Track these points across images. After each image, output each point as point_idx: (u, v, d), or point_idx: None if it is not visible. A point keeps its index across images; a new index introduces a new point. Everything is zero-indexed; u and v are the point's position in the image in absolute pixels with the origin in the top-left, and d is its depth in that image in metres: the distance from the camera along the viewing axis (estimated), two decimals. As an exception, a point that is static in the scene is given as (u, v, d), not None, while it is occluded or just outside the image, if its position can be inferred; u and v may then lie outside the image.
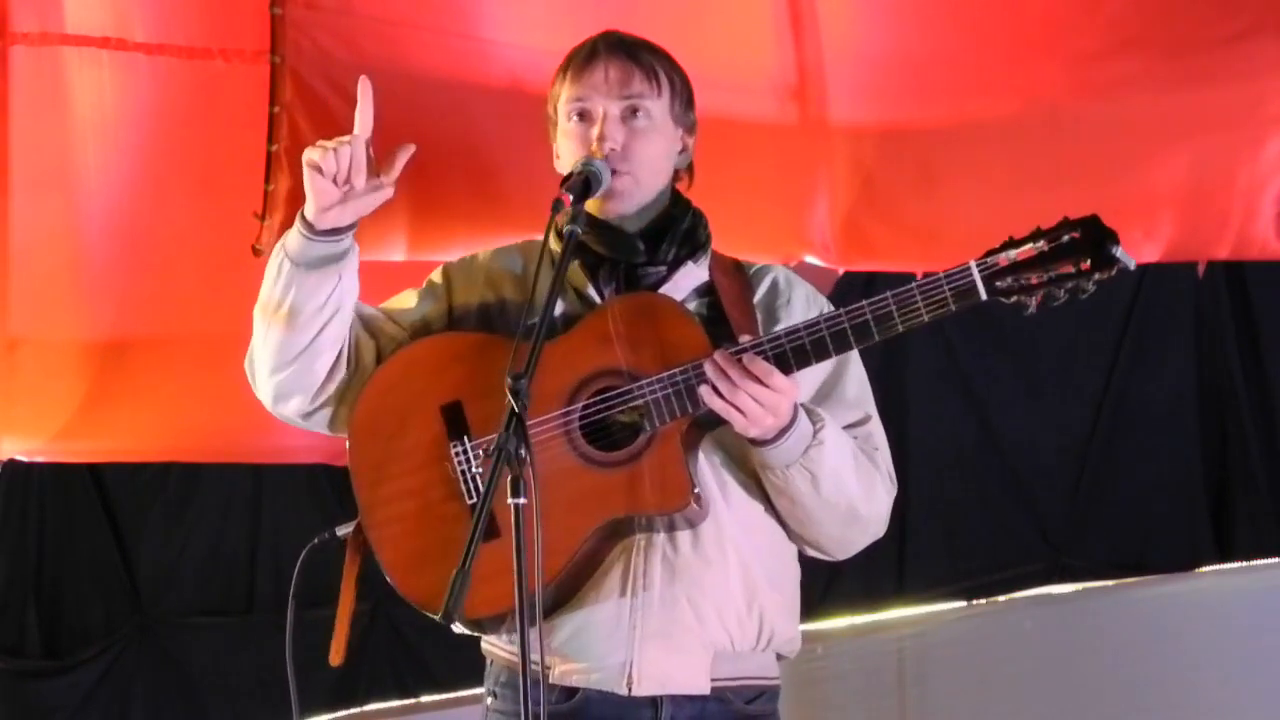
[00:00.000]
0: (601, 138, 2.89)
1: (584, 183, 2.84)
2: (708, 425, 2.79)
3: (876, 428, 2.94)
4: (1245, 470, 6.94)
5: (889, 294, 2.69)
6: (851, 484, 2.82)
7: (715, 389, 2.69)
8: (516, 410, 2.58)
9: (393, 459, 2.92)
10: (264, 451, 5.76)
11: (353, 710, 6.61)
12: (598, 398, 2.79)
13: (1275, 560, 5.88)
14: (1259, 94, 4.65)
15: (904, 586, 6.82)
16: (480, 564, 2.68)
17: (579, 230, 2.79)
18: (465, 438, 2.87)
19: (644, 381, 2.76)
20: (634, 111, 2.91)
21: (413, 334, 2.99)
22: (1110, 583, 6.15)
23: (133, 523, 7.61)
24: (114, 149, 4.64)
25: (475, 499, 2.84)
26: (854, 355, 2.94)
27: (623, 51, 2.95)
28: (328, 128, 4.40)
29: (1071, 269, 2.62)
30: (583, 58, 2.95)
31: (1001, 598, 6.02)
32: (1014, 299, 2.64)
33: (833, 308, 2.96)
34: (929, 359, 7.06)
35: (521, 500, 2.57)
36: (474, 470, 2.85)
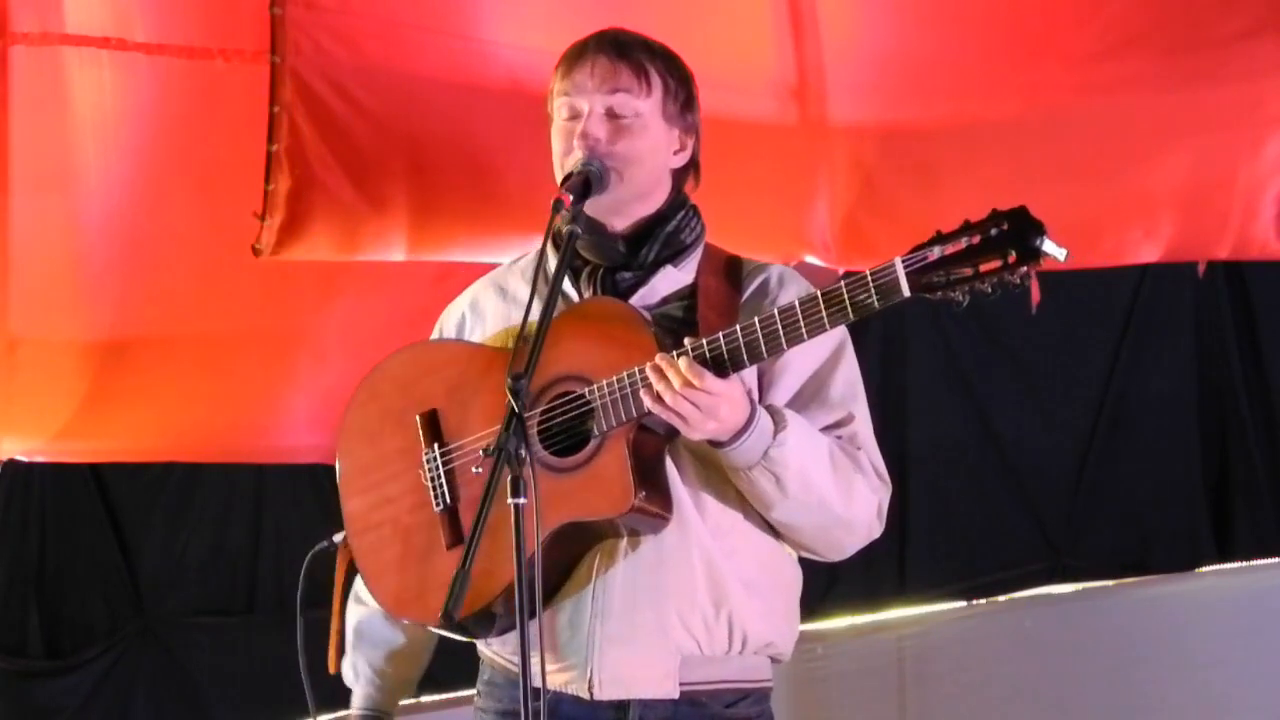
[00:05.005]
0: (584, 134, 2.88)
1: (584, 182, 2.83)
2: (658, 431, 2.78)
3: (862, 427, 2.90)
4: (1245, 470, 6.93)
5: (818, 293, 2.65)
6: (824, 485, 2.79)
7: (655, 393, 2.69)
8: (516, 410, 2.58)
9: (372, 468, 2.94)
10: (265, 452, 5.76)
11: (353, 710, 6.60)
12: (555, 402, 2.79)
13: (1275, 560, 5.88)
14: (1259, 94, 4.65)
15: (904, 586, 6.81)
16: (442, 569, 2.74)
17: (579, 231, 2.78)
18: (436, 445, 2.87)
19: (594, 386, 2.76)
20: (618, 109, 2.90)
21: None
22: (1110, 583, 6.14)
23: (134, 523, 7.61)
24: (114, 149, 4.65)
25: (441, 506, 2.85)
26: (845, 354, 2.92)
27: (612, 49, 2.93)
28: (328, 128, 4.42)
29: (999, 263, 2.55)
30: (574, 53, 2.94)
31: (1001, 598, 6.02)
32: (939, 294, 2.58)
33: None
34: (929, 360, 7.05)
35: (522, 500, 2.56)
36: (442, 477, 2.85)
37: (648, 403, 2.68)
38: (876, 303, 2.60)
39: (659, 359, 2.68)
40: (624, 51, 2.92)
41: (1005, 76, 4.72)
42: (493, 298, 3.02)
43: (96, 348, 4.92)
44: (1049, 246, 2.53)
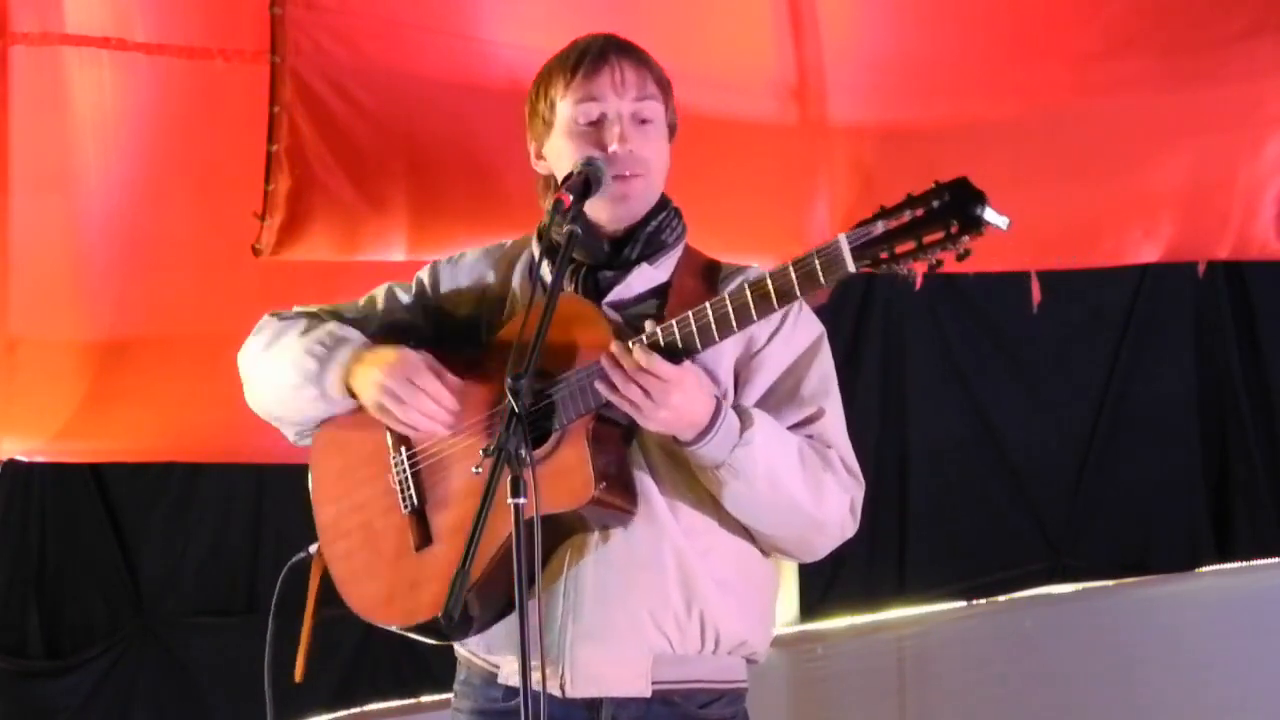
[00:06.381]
0: (623, 139, 2.87)
1: (584, 183, 2.83)
2: (619, 423, 2.78)
3: (833, 422, 2.89)
4: (1245, 470, 6.94)
5: (767, 274, 2.65)
6: (794, 485, 2.79)
7: (609, 381, 2.68)
8: (515, 410, 2.58)
9: (342, 475, 2.95)
10: (265, 451, 5.76)
11: (353, 710, 6.60)
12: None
13: (1275, 560, 5.88)
14: (1259, 94, 4.66)
15: (904, 586, 6.81)
16: (410, 570, 2.76)
17: (579, 231, 2.78)
18: (403, 449, 2.88)
19: (554, 381, 2.76)
20: (645, 115, 2.90)
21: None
22: (1110, 583, 6.13)
23: (134, 523, 7.61)
24: (114, 149, 4.66)
25: (409, 508, 2.86)
26: (821, 350, 2.92)
27: (631, 55, 2.93)
28: (328, 128, 4.42)
29: (942, 234, 2.52)
30: (593, 57, 2.92)
31: (1001, 598, 6.01)
32: (884, 268, 2.56)
33: (797, 310, 2.92)
34: (929, 360, 7.05)
35: (521, 500, 2.56)
36: (409, 479, 2.86)
37: (602, 391, 2.68)
38: (822, 279, 2.59)
39: (612, 347, 2.68)
40: (642, 58, 2.93)
41: (1005, 76, 4.72)
42: (483, 275, 3.01)
43: (96, 348, 4.92)
44: (990, 215, 2.51)
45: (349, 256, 4.71)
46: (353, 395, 2.88)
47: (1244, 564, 6.16)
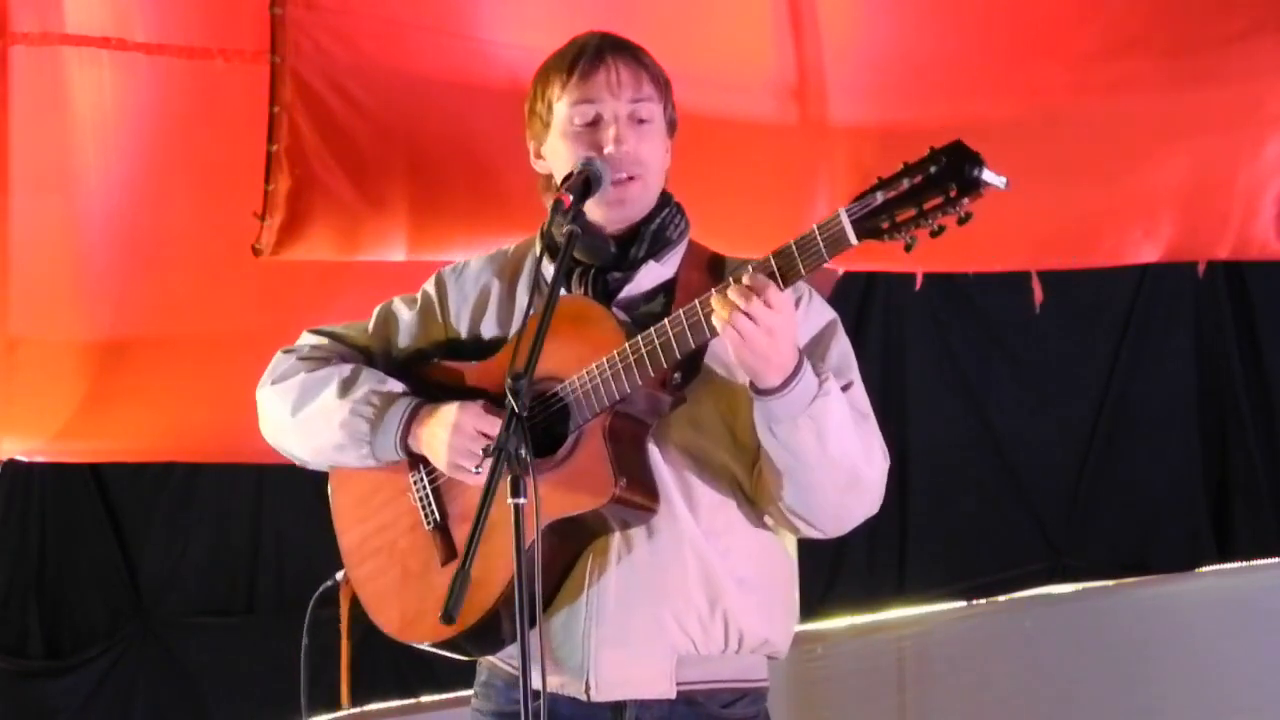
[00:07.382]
0: (618, 140, 2.85)
1: (584, 183, 2.82)
2: (636, 419, 2.77)
3: (861, 396, 2.87)
4: (1245, 470, 6.94)
5: (770, 255, 2.65)
6: (854, 442, 2.76)
7: (724, 315, 2.63)
8: (515, 410, 2.57)
9: (365, 499, 2.94)
10: (265, 452, 5.76)
11: (353, 710, 6.60)
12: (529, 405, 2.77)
13: (1275, 560, 5.88)
14: (1259, 94, 4.66)
15: (904, 586, 6.82)
16: (437, 586, 2.74)
17: (579, 231, 2.77)
18: (421, 465, 2.87)
19: (566, 383, 2.76)
20: (641, 115, 2.89)
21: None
22: (1110, 583, 6.13)
23: (135, 523, 7.63)
24: (114, 149, 4.66)
25: (432, 524, 2.85)
26: (838, 331, 2.91)
27: (628, 55, 2.92)
28: (328, 128, 4.42)
29: (941, 199, 2.54)
30: (588, 58, 2.91)
31: (1001, 598, 6.01)
32: (886, 238, 2.57)
33: (809, 298, 2.92)
34: (929, 360, 7.06)
35: (522, 500, 2.55)
36: (430, 496, 2.86)
37: (718, 325, 2.63)
38: (825, 254, 2.61)
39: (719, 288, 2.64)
40: (639, 57, 2.92)
41: (1005, 76, 4.72)
42: (488, 284, 3.00)
43: (96, 348, 4.93)
44: (988, 175, 2.53)
45: (349, 256, 4.71)
46: (408, 454, 2.85)
47: (1244, 564, 6.16)
